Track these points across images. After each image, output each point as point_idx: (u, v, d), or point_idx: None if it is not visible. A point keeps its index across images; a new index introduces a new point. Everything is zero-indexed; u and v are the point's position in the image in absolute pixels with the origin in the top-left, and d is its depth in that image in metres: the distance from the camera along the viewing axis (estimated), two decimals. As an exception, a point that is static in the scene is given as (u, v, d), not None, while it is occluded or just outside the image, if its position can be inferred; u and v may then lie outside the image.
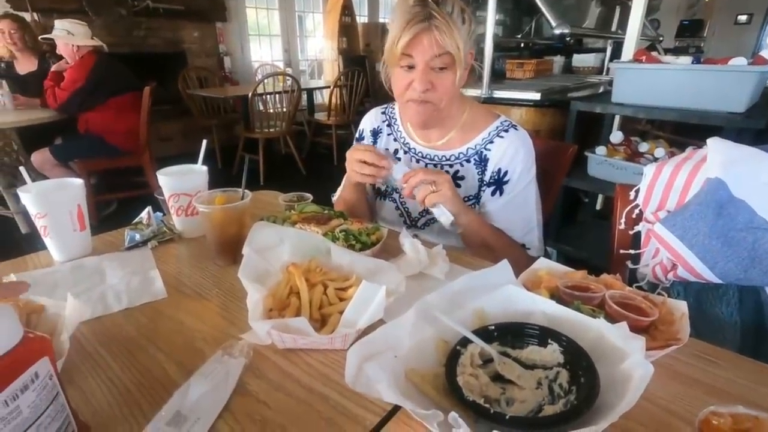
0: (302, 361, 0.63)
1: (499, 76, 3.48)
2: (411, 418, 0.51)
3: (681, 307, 0.65)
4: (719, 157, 0.80)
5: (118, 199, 3.39)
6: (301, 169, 4.46)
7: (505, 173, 1.05)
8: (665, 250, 0.81)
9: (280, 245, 0.80)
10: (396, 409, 0.54)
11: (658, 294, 0.69)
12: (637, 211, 0.92)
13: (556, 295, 0.66)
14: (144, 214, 1.04)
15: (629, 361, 0.49)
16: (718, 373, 0.61)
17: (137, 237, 0.98)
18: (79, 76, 2.87)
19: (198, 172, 1.01)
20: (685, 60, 1.99)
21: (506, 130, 1.07)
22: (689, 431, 0.50)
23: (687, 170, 0.84)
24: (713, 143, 0.83)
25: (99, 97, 2.96)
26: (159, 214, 1.07)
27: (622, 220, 0.94)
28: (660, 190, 0.87)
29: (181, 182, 0.98)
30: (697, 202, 0.79)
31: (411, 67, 0.96)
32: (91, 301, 0.77)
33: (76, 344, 0.66)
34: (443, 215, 0.95)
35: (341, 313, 0.65)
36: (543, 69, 3.68)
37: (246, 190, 0.91)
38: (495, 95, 2.70)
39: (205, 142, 1.04)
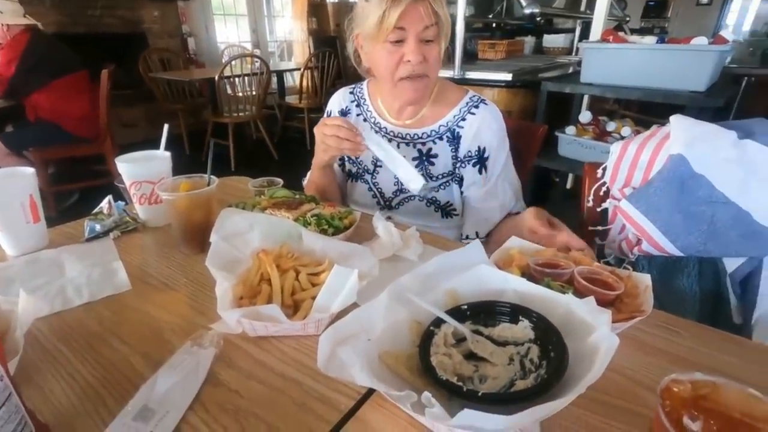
0: (275, 349, 0.62)
1: (471, 57, 3.48)
2: (386, 400, 0.51)
3: (645, 280, 0.67)
4: (681, 134, 0.82)
5: (79, 189, 3.23)
6: (273, 154, 4.36)
7: (484, 150, 1.06)
8: (630, 225, 0.83)
9: (250, 232, 0.77)
10: (371, 392, 0.54)
11: (624, 268, 0.71)
12: (604, 188, 0.94)
13: (527, 273, 0.68)
14: (104, 204, 0.99)
15: (596, 334, 0.50)
16: (680, 342, 0.63)
17: (97, 228, 0.93)
18: (14, 56, 2.66)
19: (160, 158, 0.97)
20: (650, 40, 2.03)
21: (476, 106, 1.06)
22: (653, 399, 0.52)
23: (651, 147, 0.86)
24: (676, 120, 0.85)
25: (40, 79, 2.75)
26: (121, 203, 1.02)
27: (590, 198, 0.96)
28: (626, 168, 0.89)
29: (143, 169, 0.93)
30: (661, 178, 0.81)
31: (399, 42, 0.94)
32: (49, 296, 0.73)
33: (34, 342, 0.62)
34: (413, 181, 0.94)
35: (314, 298, 0.64)
36: (514, 50, 3.70)
37: (212, 176, 0.88)
38: (467, 76, 2.70)
39: (167, 126, 0.99)
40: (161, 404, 0.50)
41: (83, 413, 0.51)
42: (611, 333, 0.48)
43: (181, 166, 0.97)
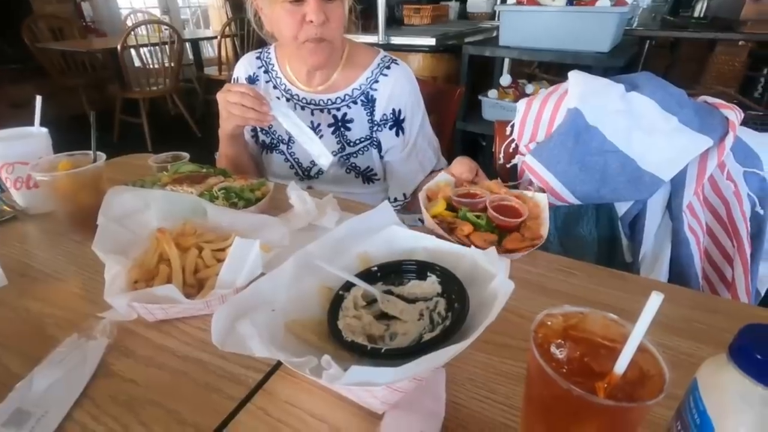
0: (178, 331, 0.58)
1: (397, 23, 3.43)
2: (294, 370, 0.50)
3: (542, 199, 0.77)
4: (577, 89, 0.86)
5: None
6: (195, 130, 4.07)
7: (400, 111, 1.04)
8: (535, 178, 0.87)
9: (146, 211, 0.71)
10: (280, 364, 0.52)
11: (527, 189, 0.81)
12: (513, 145, 0.98)
13: (450, 204, 0.78)
14: (-29, 192, 0.86)
15: (495, 281, 0.52)
16: (577, 282, 0.68)
17: (-36, 219, 0.81)
18: None
19: (36, 134, 0.85)
20: (560, 2, 2.11)
21: (388, 67, 1.04)
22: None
23: (552, 103, 0.90)
24: (573, 76, 0.89)
25: None
26: (-5, 189, 0.89)
27: (501, 155, 0.99)
28: (531, 124, 0.93)
29: (14, 148, 0.81)
30: (559, 132, 0.85)
31: (299, 1, 0.87)
32: None
33: None
34: (322, 156, 0.92)
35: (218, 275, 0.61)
36: (439, 15, 3.69)
37: (99, 152, 0.79)
38: (392, 41, 2.65)
39: (40, 98, 0.86)
40: (38, 405, 0.45)
41: (-57, 427, 0.45)
42: (508, 279, 0.50)
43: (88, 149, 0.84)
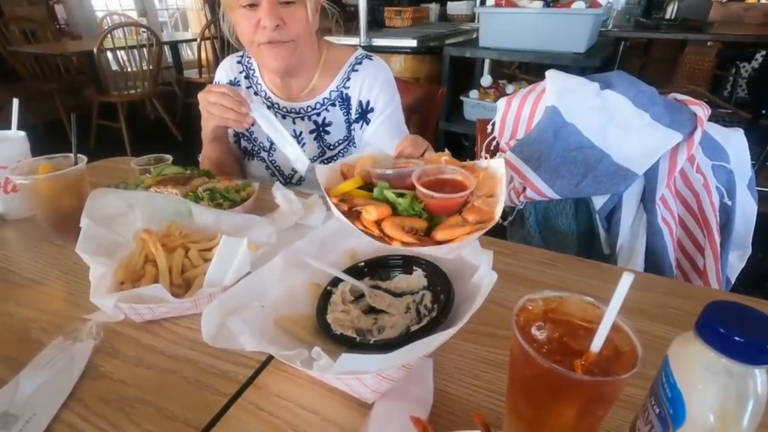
0: (166, 331, 0.58)
1: (379, 25, 3.46)
2: (284, 364, 0.50)
3: (500, 167, 0.54)
4: (554, 87, 0.89)
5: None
6: (175, 134, 4.01)
7: (368, 103, 1.02)
8: (515, 174, 0.90)
9: (130, 213, 0.71)
10: (269, 359, 0.53)
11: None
12: (494, 143, 1.00)
13: (368, 182, 0.54)
14: (-53, 198, 0.84)
15: (478, 272, 0.54)
16: (557, 273, 0.71)
17: (-61, 226, 0.79)
18: None
19: (13, 138, 0.83)
20: (538, 4, 2.16)
21: (360, 63, 1.03)
22: (530, 324, 0.58)
23: (531, 101, 0.93)
24: (550, 75, 0.92)
25: None
26: (-30, 195, 0.87)
27: (483, 153, 1.02)
28: (511, 122, 0.95)
29: (-10, 153, 0.80)
30: (538, 129, 0.88)
31: (254, 6, 0.86)
32: None
33: None
34: (299, 161, 0.92)
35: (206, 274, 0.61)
36: (420, 17, 3.73)
37: (80, 155, 0.78)
38: (374, 43, 2.67)
39: (16, 101, 0.85)
40: (25, 407, 0.45)
41: (-74, 434, 0.44)
42: (491, 270, 0.52)
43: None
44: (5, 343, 0.55)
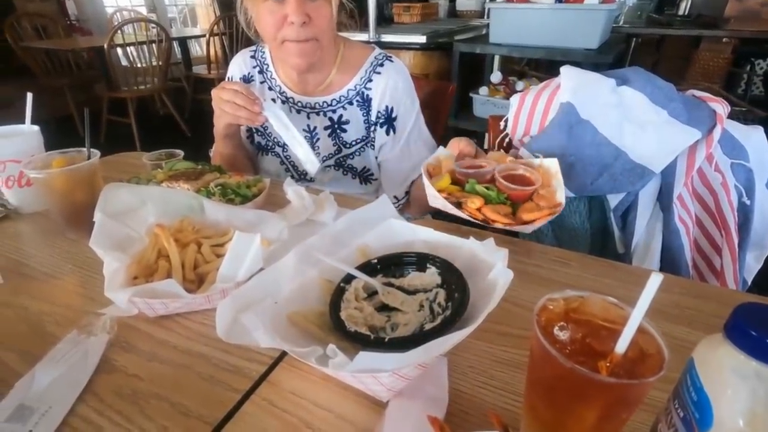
0: (179, 326, 0.58)
1: (387, 21, 3.44)
2: (298, 361, 0.50)
3: (553, 165, 0.72)
4: (569, 83, 0.88)
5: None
6: (184, 130, 4.03)
7: (392, 109, 1.03)
8: (529, 172, 0.89)
9: (143, 207, 0.71)
10: (283, 356, 0.53)
11: (535, 156, 0.77)
12: (507, 139, 0.99)
13: (454, 178, 0.72)
14: (-38, 191, 0.84)
15: (494, 271, 0.53)
16: (571, 272, 0.70)
17: (-45, 219, 0.79)
18: None
19: (27, 132, 0.84)
20: (550, 0, 2.14)
21: (382, 65, 1.02)
22: (546, 323, 0.57)
23: (545, 97, 0.92)
24: (565, 71, 0.91)
25: None
26: (-15, 189, 0.88)
27: (494, 149, 1.00)
28: (524, 118, 0.94)
29: (4, 147, 0.80)
30: (553, 125, 0.87)
31: (280, 0, 0.85)
32: None
33: None
34: (309, 162, 0.92)
35: (219, 270, 0.61)
36: (429, 13, 3.71)
37: (93, 149, 0.78)
38: (383, 39, 2.66)
39: (30, 95, 0.85)
40: (41, 401, 0.45)
41: (-56, 425, 0.44)
42: (506, 268, 0.51)
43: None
44: (21, 336, 0.56)
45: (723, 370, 0.30)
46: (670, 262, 0.85)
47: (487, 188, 0.68)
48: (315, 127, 1.06)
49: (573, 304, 0.36)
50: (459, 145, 0.80)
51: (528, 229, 0.69)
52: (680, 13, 3.79)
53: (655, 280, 0.30)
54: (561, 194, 0.68)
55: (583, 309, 0.36)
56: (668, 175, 0.83)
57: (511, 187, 0.68)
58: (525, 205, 0.68)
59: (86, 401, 0.47)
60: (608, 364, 0.31)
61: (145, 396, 0.48)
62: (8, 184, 0.82)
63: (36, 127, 0.84)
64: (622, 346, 0.31)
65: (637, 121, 0.83)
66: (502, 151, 0.77)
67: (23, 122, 0.86)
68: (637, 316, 0.31)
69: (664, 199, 0.84)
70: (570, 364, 0.31)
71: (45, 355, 0.50)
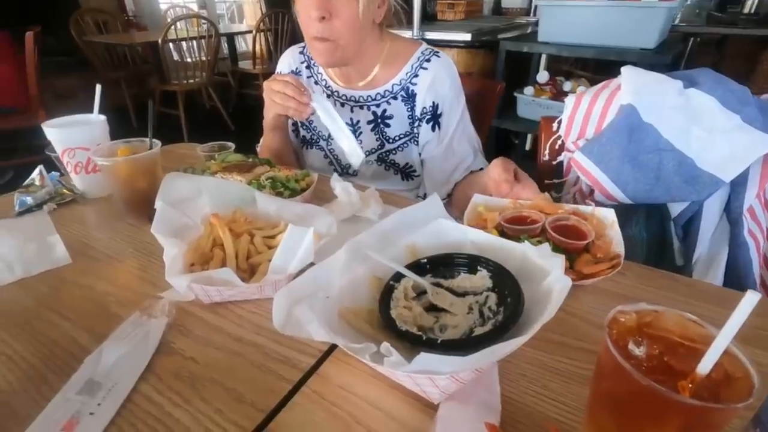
0: (232, 314, 0.60)
1: (430, 18, 3.41)
2: (346, 355, 0.50)
3: (609, 215, 0.69)
4: (631, 84, 0.83)
5: (14, 165, 2.96)
6: (228, 123, 4.16)
7: (438, 106, 1.01)
8: (584, 176, 0.85)
9: (199, 197, 0.73)
10: (331, 350, 0.53)
11: (586, 204, 0.73)
12: (559, 142, 0.96)
13: (502, 232, 0.69)
14: (35, 175, 0.91)
15: (550, 277, 0.51)
16: (626, 282, 0.66)
17: (29, 200, 0.85)
18: None
19: (95, 122, 0.89)
20: (604, -3, 2.04)
21: (428, 60, 1.01)
22: (602, 336, 0.54)
23: (604, 99, 0.88)
24: (626, 71, 0.86)
25: None
26: (55, 174, 0.94)
27: (546, 152, 0.97)
28: (580, 120, 0.90)
29: (75, 135, 0.85)
30: (611, 128, 0.83)
31: None
32: (-25, 275, 0.66)
33: (-39, 323, 0.57)
34: (354, 155, 0.92)
35: (270, 261, 0.62)
36: (473, 10, 3.64)
37: (155, 140, 0.81)
38: (427, 36, 2.64)
39: (99, 87, 0.90)
40: (108, 377, 0.47)
41: (22, 392, 0.48)
42: (564, 276, 0.49)
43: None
44: (89, 315, 0.59)
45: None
46: (735, 278, 0.79)
47: (539, 242, 0.66)
48: (358, 121, 1.06)
49: (646, 318, 0.35)
50: (495, 172, 0.78)
51: (588, 283, 0.65)
52: (746, 11, 3.52)
53: (752, 298, 0.28)
54: (618, 245, 0.66)
55: (658, 324, 0.34)
56: (738, 185, 0.78)
57: (564, 241, 0.66)
58: (581, 258, 0.65)
59: (147, 380, 0.49)
60: (690, 385, 0.29)
61: (201, 379, 0.49)
62: (77, 170, 0.87)
63: (103, 117, 0.89)
64: (705, 366, 0.29)
65: (705, 126, 0.78)
66: (546, 194, 0.74)
67: (86, 112, 0.91)
68: (726, 336, 0.29)
69: (732, 210, 0.79)
70: (647, 381, 0.29)
71: (111, 334, 0.53)
